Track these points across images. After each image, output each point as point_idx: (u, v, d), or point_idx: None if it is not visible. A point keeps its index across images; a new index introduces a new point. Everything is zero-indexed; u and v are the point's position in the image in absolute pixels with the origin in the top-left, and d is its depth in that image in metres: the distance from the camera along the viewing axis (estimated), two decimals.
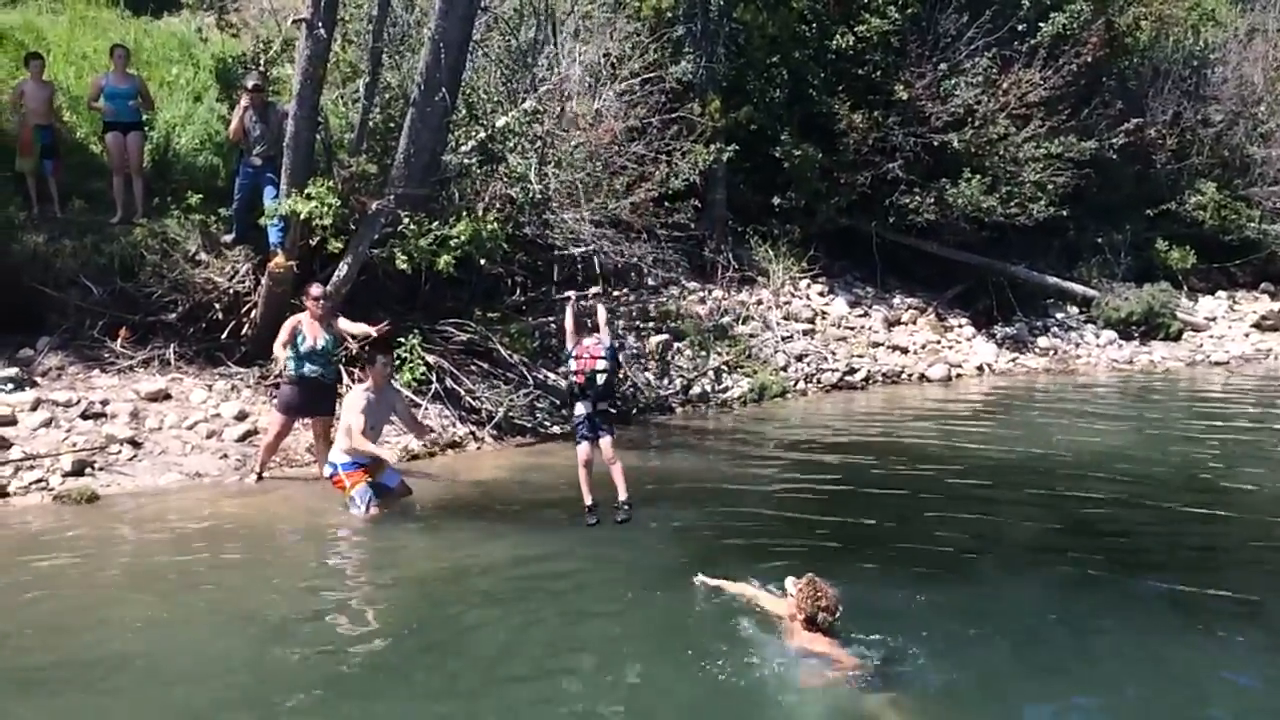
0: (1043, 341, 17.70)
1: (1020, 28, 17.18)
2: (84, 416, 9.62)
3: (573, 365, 8.23)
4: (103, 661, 5.76)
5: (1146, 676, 5.81)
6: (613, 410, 8.66)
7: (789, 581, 5.75)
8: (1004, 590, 7.07)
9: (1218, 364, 17.81)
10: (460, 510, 8.68)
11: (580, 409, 8.23)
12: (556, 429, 11.39)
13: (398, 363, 10.55)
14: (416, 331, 10.91)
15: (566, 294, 8.41)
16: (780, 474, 10.20)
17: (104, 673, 5.64)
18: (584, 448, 8.26)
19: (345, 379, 10.36)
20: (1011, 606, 6.77)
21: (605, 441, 8.26)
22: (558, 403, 11.66)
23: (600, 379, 8.20)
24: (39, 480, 8.72)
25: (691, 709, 5.36)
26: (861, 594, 6.63)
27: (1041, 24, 17.23)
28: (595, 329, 8.41)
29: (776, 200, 16.60)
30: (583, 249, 13.20)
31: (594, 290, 8.37)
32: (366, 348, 9.36)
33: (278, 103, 10.99)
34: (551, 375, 11.82)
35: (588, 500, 8.23)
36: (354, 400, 8.38)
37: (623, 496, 8.23)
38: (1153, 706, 5.49)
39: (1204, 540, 8.34)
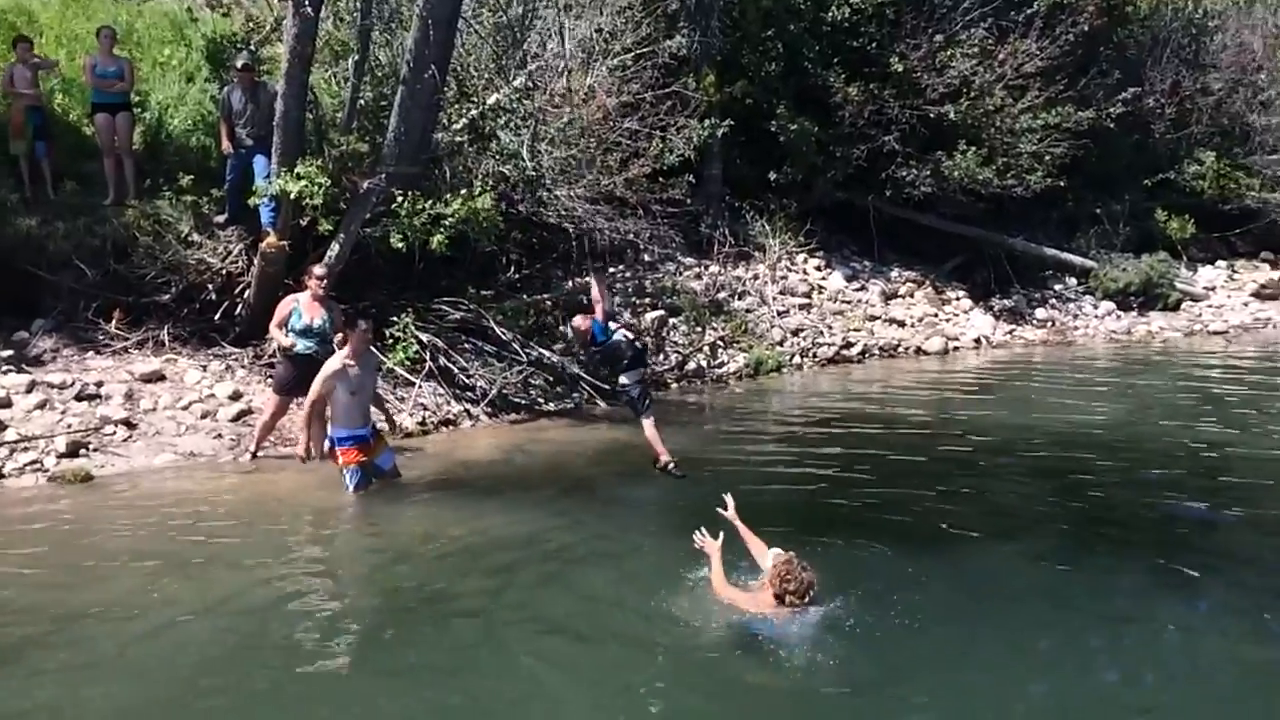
0: (1040, 313, 17.68)
1: None
2: (78, 398, 9.66)
3: (626, 333, 8.31)
4: (87, 641, 5.81)
5: (1126, 648, 5.84)
6: None
7: (773, 552, 5.81)
8: (990, 562, 7.10)
9: (1216, 333, 17.78)
10: (454, 487, 8.71)
11: (637, 374, 8.30)
12: (551, 406, 11.44)
13: (391, 341, 10.57)
14: (410, 310, 10.92)
15: (597, 264, 8.51)
16: (775, 447, 10.23)
17: (87, 651, 5.69)
18: (654, 410, 8.51)
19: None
20: (995, 577, 6.82)
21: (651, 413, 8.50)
22: (551, 380, 11.70)
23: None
24: (34, 462, 8.77)
25: (671, 682, 5.43)
26: (849, 564, 6.71)
27: None
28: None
29: (772, 175, 16.54)
30: (577, 226, 13.23)
31: (596, 264, 8.48)
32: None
33: (268, 82, 10.97)
34: (545, 352, 11.83)
35: (668, 459, 8.50)
36: (329, 366, 8.27)
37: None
38: (1124, 678, 5.52)
39: (1193, 511, 8.34)
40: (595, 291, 8.43)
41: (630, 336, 8.33)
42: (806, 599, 5.59)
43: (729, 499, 6.48)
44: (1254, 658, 5.76)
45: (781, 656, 5.53)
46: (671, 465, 8.35)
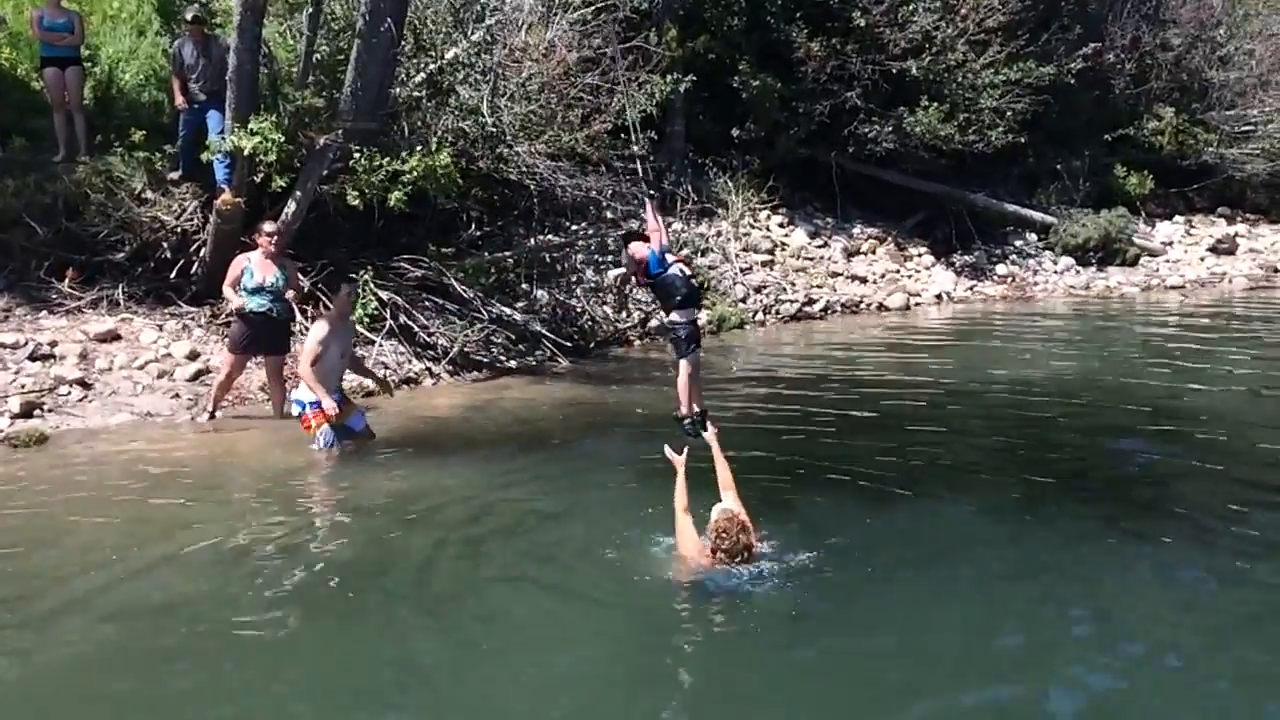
0: (1001, 269, 17.82)
1: None
2: (32, 358, 9.50)
3: (684, 269, 7.76)
4: (44, 597, 5.76)
5: (1090, 595, 5.93)
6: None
7: (716, 508, 5.85)
8: (950, 513, 7.15)
9: (1173, 288, 18.02)
10: (414, 445, 8.68)
11: (690, 314, 7.83)
12: (513, 363, 11.42)
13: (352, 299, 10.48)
14: (369, 268, 10.82)
15: (652, 193, 8.04)
16: (736, 404, 10.26)
17: (46, 609, 5.64)
18: (698, 356, 8.00)
19: (299, 316, 10.30)
20: (954, 529, 6.87)
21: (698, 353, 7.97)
22: (513, 338, 11.66)
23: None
24: None
25: (634, 629, 5.50)
26: (809, 517, 6.78)
27: None
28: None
29: (735, 131, 16.48)
30: (538, 183, 13.15)
31: (650, 193, 8.04)
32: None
33: (220, 35, 10.77)
34: (507, 310, 11.79)
35: (690, 408, 7.97)
36: (316, 330, 8.28)
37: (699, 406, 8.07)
38: (1072, 625, 5.61)
39: (1148, 462, 8.47)
40: (650, 220, 7.93)
41: (687, 273, 7.79)
42: (737, 560, 5.60)
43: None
44: (1220, 600, 5.86)
45: (736, 607, 5.59)
46: (687, 422, 7.86)
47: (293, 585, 6.00)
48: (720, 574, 5.66)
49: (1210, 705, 4.85)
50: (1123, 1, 20.00)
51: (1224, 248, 19.77)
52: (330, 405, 8.24)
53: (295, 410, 8.48)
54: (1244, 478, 7.86)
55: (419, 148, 10.46)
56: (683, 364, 7.95)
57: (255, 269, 8.90)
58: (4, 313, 10.13)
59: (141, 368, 9.77)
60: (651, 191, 7.98)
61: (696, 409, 8.00)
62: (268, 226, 9.11)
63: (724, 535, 5.61)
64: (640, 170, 11.57)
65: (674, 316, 7.94)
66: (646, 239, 8.00)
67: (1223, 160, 20.65)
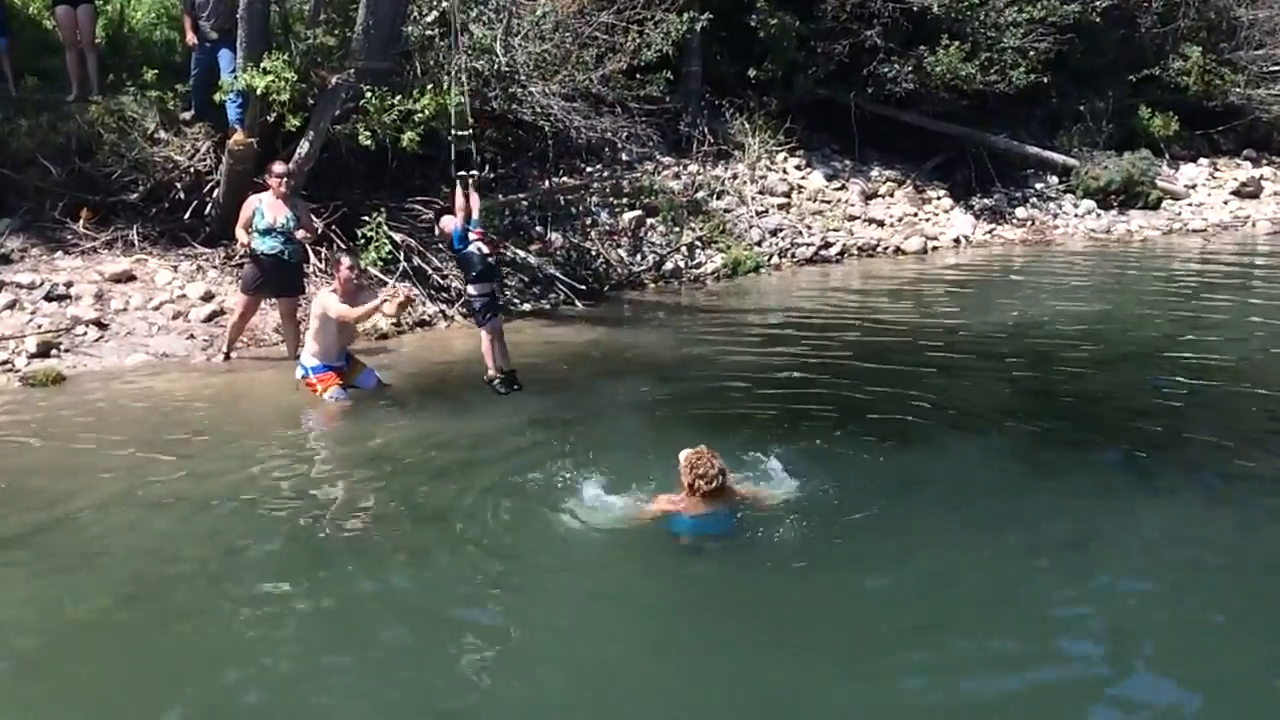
0: (1020, 212, 17.60)
1: None
2: (48, 298, 9.57)
3: (482, 247, 8.19)
4: (57, 537, 5.86)
5: (1098, 536, 5.95)
6: None
7: (682, 454, 5.88)
8: (964, 456, 7.12)
9: (1195, 232, 17.78)
10: (428, 389, 8.71)
11: (485, 288, 8.24)
12: (527, 306, 11.43)
13: (363, 241, 10.49)
14: (382, 209, 10.79)
15: (470, 172, 8.38)
16: (750, 349, 10.25)
17: (59, 548, 5.74)
18: (497, 323, 8.34)
19: (311, 257, 10.32)
20: (969, 471, 6.87)
21: (499, 320, 8.41)
22: (527, 280, 11.65)
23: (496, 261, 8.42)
24: (4, 363, 8.73)
25: (626, 575, 5.58)
26: (817, 458, 6.78)
27: None
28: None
29: (752, 71, 16.24)
30: (553, 124, 13.03)
31: (472, 173, 8.40)
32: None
33: None
34: (521, 252, 11.76)
35: (495, 370, 8.27)
36: (323, 300, 8.23)
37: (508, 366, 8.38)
38: (1079, 569, 5.62)
39: (1164, 408, 8.41)
40: (459, 199, 8.31)
41: (485, 251, 8.20)
42: (715, 482, 5.67)
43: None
44: (1234, 543, 5.87)
45: (727, 547, 5.64)
46: (496, 381, 8.19)
47: (298, 529, 6.05)
48: (716, 516, 5.68)
49: (1220, 647, 4.87)
50: None
51: (1248, 191, 19.45)
52: (328, 374, 8.26)
53: (298, 374, 8.41)
54: (1262, 426, 7.81)
55: (430, 87, 10.35)
56: (483, 331, 8.31)
57: (266, 210, 8.88)
58: (20, 253, 10.18)
59: (157, 308, 9.83)
60: (471, 172, 8.20)
61: (504, 369, 8.31)
62: (278, 167, 9.08)
63: (698, 464, 5.67)
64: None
65: (470, 289, 8.39)
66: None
67: (1249, 101, 20.21)
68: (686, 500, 5.77)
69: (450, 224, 8.33)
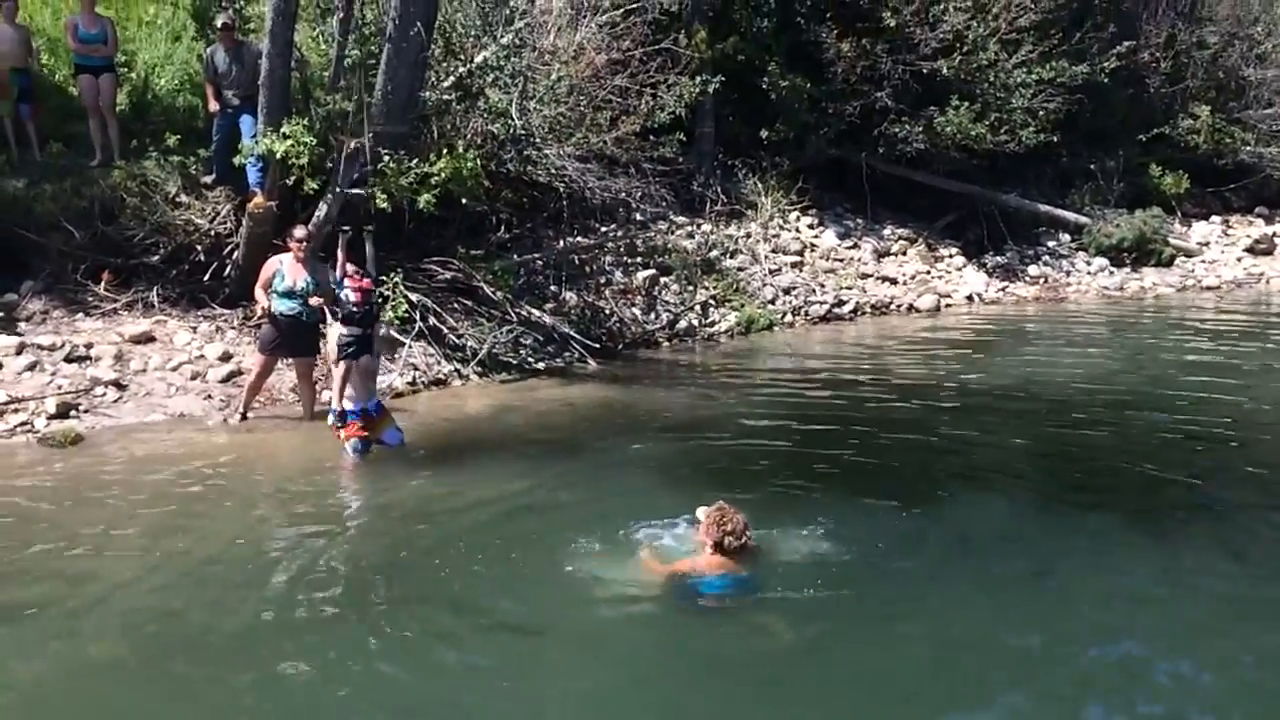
0: (1033, 270, 17.66)
1: None
2: (68, 360, 9.67)
3: (351, 296, 8.43)
4: (72, 595, 5.88)
5: (1094, 596, 5.92)
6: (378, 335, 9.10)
7: (700, 510, 5.87)
8: (977, 514, 7.13)
9: (1209, 289, 17.79)
10: (443, 448, 8.73)
11: (355, 331, 8.40)
12: (541, 365, 11.47)
13: (380, 301, 10.56)
14: (399, 270, 10.91)
15: (344, 227, 8.78)
16: (764, 406, 10.27)
17: (73, 607, 5.76)
18: (347, 365, 8.42)
19: (330, 320, 10.39)
20: (980, 530, 6.87)
21: (366, 358, 8.53)
22: (542, 339, 11.72)
23: (372, 309, 8.69)
24: (24, 423, 8.78)
25: (645, 643, 5.51)
26: (831, 516, 6.77)
27: None
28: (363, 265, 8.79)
29: (765, 132, 16.44)
30: (568, 185, 13.20)
31: (367, 228, 8.83)
32: None
33: (252, 41, 10.90)
34: (535, 311, 11.85)
35: (340, 406, 8.42)
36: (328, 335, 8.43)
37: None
38: (1090, 627, 5.60)
39: (1177, 463, 8.36)
40: (341, 253, 8.74)
41: (353, 299, 8.44)
42: (744, 539, 5.64)
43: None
44: (1240, 597, 5.83)
45: (747, 614, 5.61)
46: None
47: (316, 586, 6.07)
48: (738, 576, 5.66)
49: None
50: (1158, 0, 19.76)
51: (1262, 248, 19.48)
52: (355, 423, 8.34)
53: (330, 419, 8.54)
54: (1272, 479, 7.77)
55: (446, 150, 10.51)
56: (339, 364, 8.48)
57: (287, 272, 9.00)
58: (41, 315, 10.31)
59: (175, 369, 9.91)
60: (345, 229, 8.96)
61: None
62: (299, 232, 9.22)
63: (724, 521, 5.64)
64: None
65: (340, 329, 8.56)
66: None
67: (1260, 159, 20.32)
68: (708, 559, 5.72)
69: (339, 270, 8.67)
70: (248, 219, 10.40)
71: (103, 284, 10.69)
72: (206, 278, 10.90)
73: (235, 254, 10.81)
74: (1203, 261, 18.76)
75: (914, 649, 5.33)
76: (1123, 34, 18.26)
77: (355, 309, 8.43)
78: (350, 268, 8.64)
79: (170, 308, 10.77)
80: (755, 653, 5.36)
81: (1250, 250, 19.39)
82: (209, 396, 9.66)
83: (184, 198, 11.00)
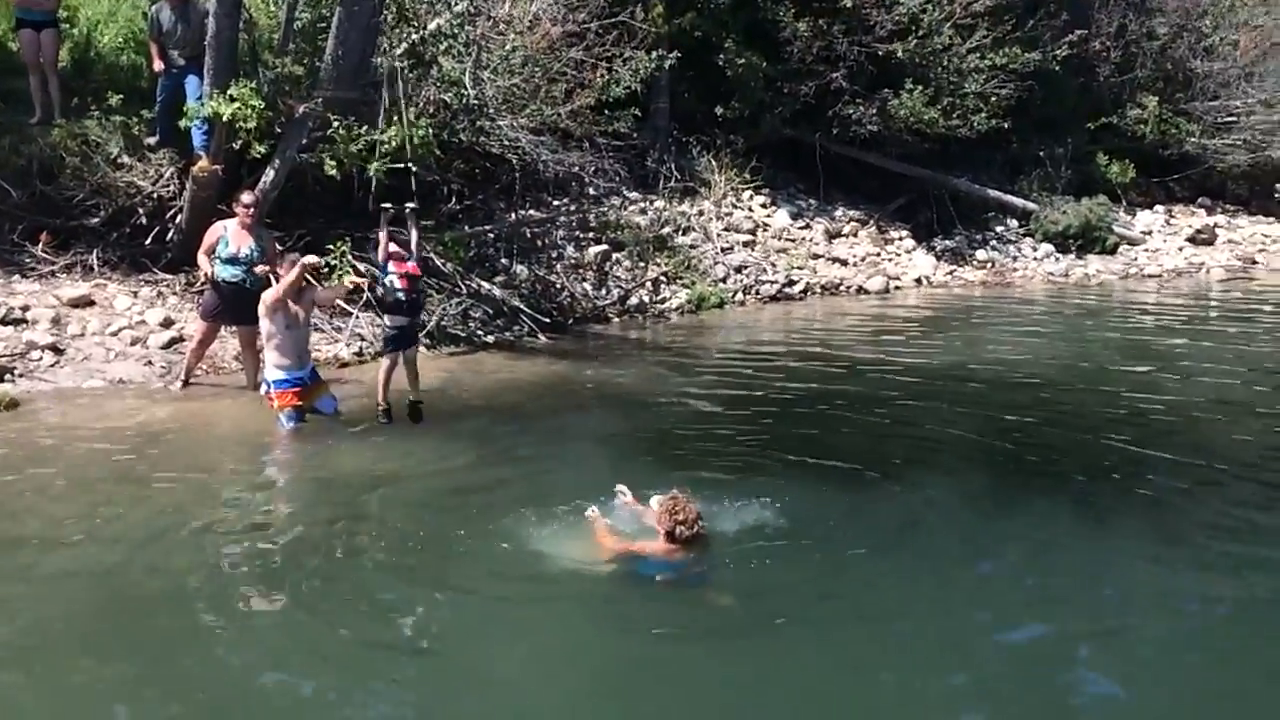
0: (981, 254, 17.85)
1: None
2: (3, 323, 9.43)
3: (396, 282, 8.22)
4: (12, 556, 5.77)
5: (1033, 578, 6.03)
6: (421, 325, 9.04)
7: (654, 499, 5.88)
8: (919, 496, 7.18)
9: (1150, 277, 18.13)
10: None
11: (401, 322, 8.29)
12: (490, 338, 11.41)
13: (327, 270, 10.43)
14: (347, 239, 10.76)
15: (385, 205, 8.52)
16: (712, 384, 10.29)
17: (13, 572, 5.64)
18: (392, 357, 8.35)
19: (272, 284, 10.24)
20: (922, 512, 6.93)
21: (412, 350, 8.46)
22: (491, 312, 11.66)
23: (419, 298, 8.51)
24: None
25: (580, 618, 5.51)
26: (775, 499, 6.79)
27: None
28: (406, 247, 8.48)
29: (720, 110, 16.43)
30: (521, 157, 13.09)
31: (410, 206, 8.56)
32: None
33: (199, 1, 10.65)
34: (485, 284, 11.77)
35: (385, 403, 8.34)
36: (262, 299, 8.27)
37: (414, 397, 8.44)
38: (1030, 608, 5.70)
39: (1116, 446, 8.50)
40: (383, 236, 8.43)
41: (398, 285, 8.20)
42: (696, 528, 5.64)
43: (622, 489, 6.44)
44: (1186, 585, 5.96)
45: (696, 594, 5.62)
46: (380, 412, 8.31)
47: (252, 560, 6.01)
48: (685, 562, 5.66)
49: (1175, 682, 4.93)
50: None
51: (1203, 238, 19.86)
52: (289, 391, 8.20)
53: (263, 389, 8.43)
54: (1210, 464, 7.94)
55: (397, 118, 10.37)
56: (383, 359, 8.49)
57: (231, 238, 8.83)
58: None
59: (115, 334, 9.71)
60: (387, 206, 8.53)
61: (411, 399, 8.43)
62: (245, 197, 9.05)
63: (676, 510, 5.61)
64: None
65: (385, 319, 8.52)
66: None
67: (1204, 151, 20.69)
68: (659, 544, 5.72)
69: (381, 253, 8.41)
70: (192, 182, 10.19)
71: (40, 245, 10.44)
72: (148, 242, 10.69)
73: (178, 218, 10.60)
74: (1145, 250, 19.09)
75: (859, 628, 5.37)
76: (1075, 23, 18.47)
77: (402, 296, 8.19)
78: (394, 248, 8.30)
79: (110, 271, 10.55)
80: (699, 629, 5.37)
81: (1191, 240, 19.76)
82: (149, 363, 9.48)
83: (126, 159, 10.75)
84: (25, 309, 9.66)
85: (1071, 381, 10.61)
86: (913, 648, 5.19)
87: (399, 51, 11.39)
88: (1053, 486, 7.44)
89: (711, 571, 5.79)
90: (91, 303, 10.05)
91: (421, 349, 10.58)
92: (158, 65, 10.54)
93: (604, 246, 13.78)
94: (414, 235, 8.66)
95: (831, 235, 16.90)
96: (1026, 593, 5.87)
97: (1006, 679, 4.99)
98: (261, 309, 8.21)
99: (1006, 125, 17.26)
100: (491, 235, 12.79)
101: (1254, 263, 19.39)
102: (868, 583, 5.86)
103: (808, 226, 16.83)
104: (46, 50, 10.83)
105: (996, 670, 5.07)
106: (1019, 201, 18.72)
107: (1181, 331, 13.56)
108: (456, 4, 11.56)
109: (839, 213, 17.47)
